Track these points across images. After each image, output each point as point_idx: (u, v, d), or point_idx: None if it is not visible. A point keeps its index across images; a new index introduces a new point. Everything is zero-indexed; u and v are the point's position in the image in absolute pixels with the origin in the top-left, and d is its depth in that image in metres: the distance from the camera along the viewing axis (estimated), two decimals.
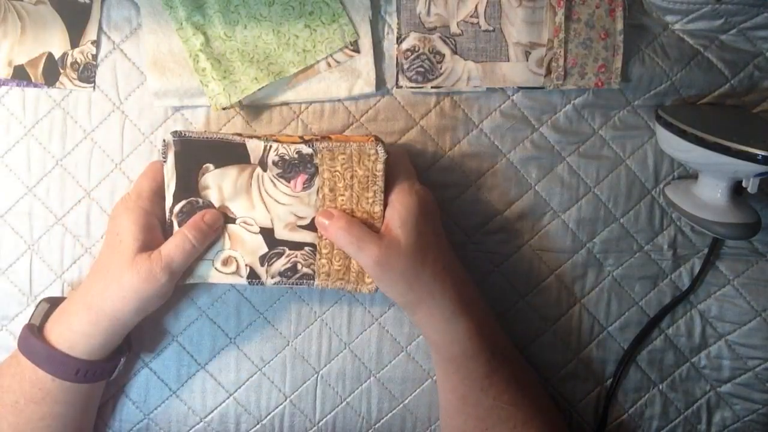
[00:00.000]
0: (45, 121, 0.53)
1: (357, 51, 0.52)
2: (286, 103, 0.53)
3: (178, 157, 0.47)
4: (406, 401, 0.56)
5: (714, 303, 0.57)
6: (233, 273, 0.49)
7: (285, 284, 0.49)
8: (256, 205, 0.48)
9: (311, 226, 0.48)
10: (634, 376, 0.57)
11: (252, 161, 0.47)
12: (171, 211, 0.48)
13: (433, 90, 0.53)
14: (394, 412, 0.56)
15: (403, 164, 0.48)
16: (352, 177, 0.47)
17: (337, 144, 0.46)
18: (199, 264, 0.48)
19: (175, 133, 0.46)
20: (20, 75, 0.52)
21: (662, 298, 0.57)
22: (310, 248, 0.49)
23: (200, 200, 0.48)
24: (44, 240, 0.54)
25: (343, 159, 0.46)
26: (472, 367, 0.47)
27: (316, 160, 0.47)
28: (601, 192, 0.55)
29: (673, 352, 0.57)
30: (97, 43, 0.52)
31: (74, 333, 0.46)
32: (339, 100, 0.53)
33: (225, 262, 0.48)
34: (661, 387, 0.58)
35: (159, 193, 0.47)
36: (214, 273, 0.48)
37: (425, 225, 0.45)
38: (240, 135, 0.48)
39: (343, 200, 0.47)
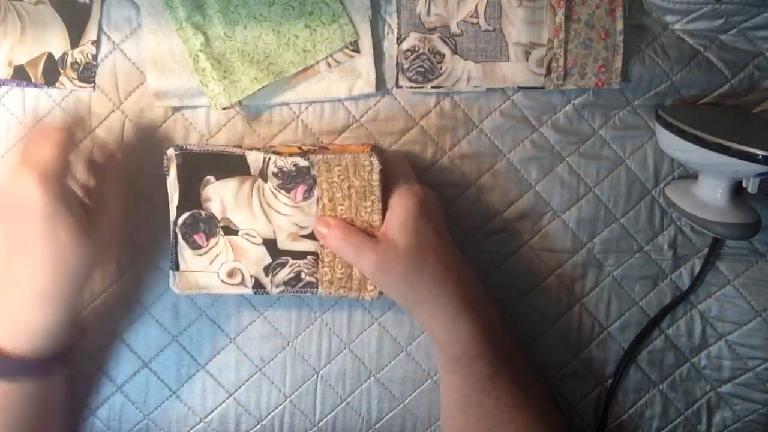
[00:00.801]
0: (45, 121, 0.53)
1: (357, 51, 0.52)
2: (286, 103, 0.53)
3: (180, 171, 0.48)
4: (406, 401, 0.56)
5: (714, 303, 0.57)
6: (239, 284, 0.50)
7: (290, 293, 0.50)
8: (257, 216, 0.49)
9: (313, 236, 0.49)
10: (634, 376, 0.57)
11: (252, 173, 0.48)
12: (175, 224, 0.49)
13: (433, 90, 0.53)
14: (394, 412, 0.56)
15: (402, 167, 0.48)
16: (349, 187, 0.47)
17: (332, 156, 0.47)
18: (205, 276, 0.49)
19: (176, 147, 0.48)
20: (20, 75, 0.52)
21: (662, 298, 0.57)
22: (313, 257, 0.49)
23: (203, 212, 0.49)
24: None
25: (339, 170, 0.47)
26: (475, 368, 0.47)
27: (314, 172, 0.48)
28: (601, 192, 0.55)
29: (674, 352, 0.57)
30: (97, 43, 0.52)
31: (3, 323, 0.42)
32: (339, 100, 0.53)
33: (230, 274, 0.50)
34: (661, 387, 0.58)
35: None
36: (220, 284, 0.50)
37: (424, 226, 0.45)
38: (240, 147, 0.49)
39: (342, 210, 0.48)
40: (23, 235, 0.41)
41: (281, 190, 0.48)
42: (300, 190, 0.48)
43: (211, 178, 0.48)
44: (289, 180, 0.48)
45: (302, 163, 0.48)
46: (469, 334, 0.46)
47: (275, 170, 0.48)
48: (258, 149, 0.48)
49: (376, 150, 0.46)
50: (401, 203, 0.45)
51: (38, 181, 0.39)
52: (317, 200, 0.48)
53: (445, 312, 0.46)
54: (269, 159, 0.48)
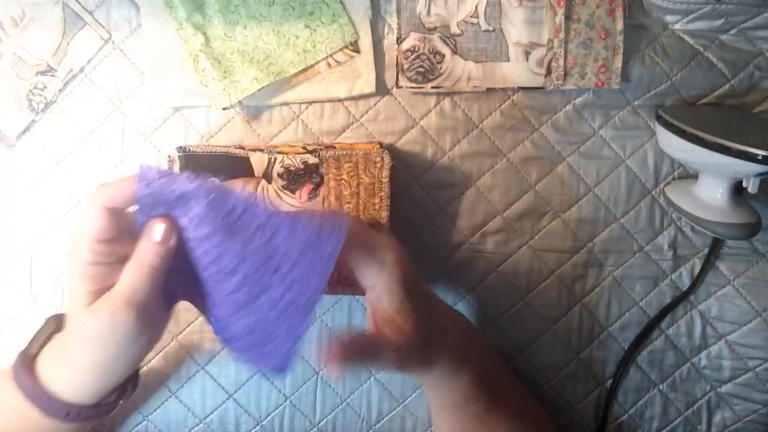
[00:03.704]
0: (45, 121, 0.53)
1: (357, 51, 0.52)
2: (286, 103, 0.53)
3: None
4: (406, 402, 0.56)
5: (714, 303, 0.57)
6: None
7: None
8: None
9: None
10: (635, 377, 0.57)
11: (256, 174, 0.48)
12: None
13: (433, 90, 0.53)
14: (394, 412, 0.56)
15: (364, 234, 0.41)
16: (358, 184, 0.47)
17: (342, 152, 0.47)
18: None
19: (179, 149, 0.48)
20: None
21: (662, 298, 0.57)
22: None
23: None
24: (44, 240, 0.54)
25: (349, 167, 0.47)
26: (472, 408, 0.47)
27: (322, 170, 0.47)
28: (601, 192, 0.55)
29: (674, 352, 0.57)
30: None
31: (60, 377, 0.42)
32: (339, 100, 0.53)
33: None
34: (661, 387, 0.58)
35: (108, 237, 0.38)
36: None
37: (415, 296, 0.41)
38: (243, 148, 0.48)
39: (349, 208, 0.48)
40: (71, 309, 0.40)
41: (286, 191, 0.48)
42: (305, 190, 0.48)
43: (215, 180, 0.48)
44: (294, 180, 0.48)
45: (311, 160, 0.48)
46: (467, 382, 0.46)
47: (280, 170, 0.48)
48: (261, 150, 0.48)
49: (383, 146, 0.47)
50: (387, 277, 0.40)
51: (129, 308, 0.38)
52: (323, 199, 0.48)
53: (445, 371, 0.45)
54: (275, 159, 0.48)
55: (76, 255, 0.39)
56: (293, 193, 0.48)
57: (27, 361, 0.43)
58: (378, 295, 0.40)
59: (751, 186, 0.47)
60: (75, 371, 0.41)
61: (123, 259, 0.40)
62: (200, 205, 0.37)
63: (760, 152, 0.43)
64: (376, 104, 0.53)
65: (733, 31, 0.52)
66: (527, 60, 0.52)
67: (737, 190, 0.50)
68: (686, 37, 0.53)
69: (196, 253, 0.38)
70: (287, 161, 0.48)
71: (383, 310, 0.41)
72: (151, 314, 0.40)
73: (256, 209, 0.37)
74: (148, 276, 0.38)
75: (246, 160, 0.48)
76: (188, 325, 0.55)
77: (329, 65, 0.52)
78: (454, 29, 0.52)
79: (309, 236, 0.37)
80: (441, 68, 0.52)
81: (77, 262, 0.39)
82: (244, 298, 0.38)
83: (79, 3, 0.51)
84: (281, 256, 0.37)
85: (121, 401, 0.46)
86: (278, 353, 0.39)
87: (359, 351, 0.39)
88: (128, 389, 0.47)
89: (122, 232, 0.39)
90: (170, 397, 0.55)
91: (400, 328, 0.40)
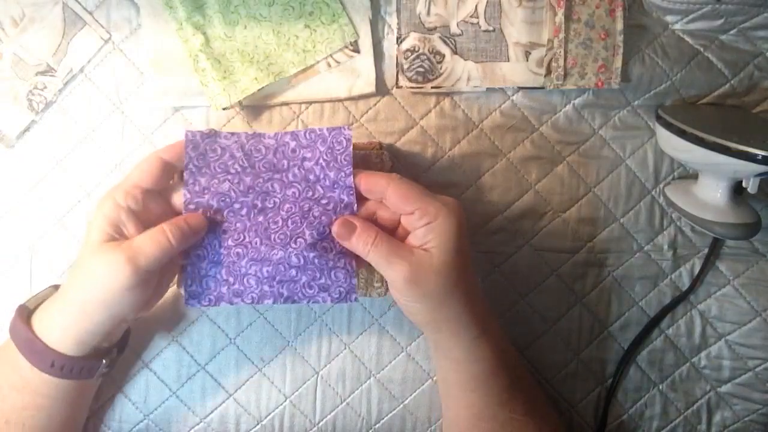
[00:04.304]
0: (45, 121, 0.53)
1: (357, 51, 0.52)
2: (286, 103, 0.53)
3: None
4: (406, 401, 0.56)
5: (714, 303, 0.57)
6: None
7: None
8: None
9: None
10: (634, 376, 0.57)
11: None
12: None
13: (433, 90, 0.53)
14: (394, 412, 0.56)
15: (410, 182, 0.44)
16: None
17: None
18: None
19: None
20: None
21: (662, 298, 0.57)
22: None
23: None
24: (44, 240, 0.54)
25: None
26: (492, 384, 0.46)
27: None
28: (601, 192, 0.55)
29: (673, 352, 0.57)
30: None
31: (52, 321, 0.44)
32: (339, 100, 0.53)
33: None
34: (661, 387, 0.58)
35: (151, 187, 0.43)
36: None
37: (463, 245, 0.42)
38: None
39: None
40: (82, 249, 0.43)
41: None
42: None
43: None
44: None
45: None
46: (491, 353, 0.45)
47: None
48: None
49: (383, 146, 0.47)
50: (447, 216, 0.41)
51: (128, 263, 0.41)
52: None
53: (468, 331, 0.44)
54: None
55: (113, 194, 0.43)
56: None
57: (23, 312, 0.46)
58: (431, 228, 0.41)
59: (751, 186, 0.47)
60: (65, 310, 0.44)
61: (148, 219, 0.43)
62: (239, 158, 0.44)
63: (760, 152, 0.43)
64: (376, 104, 0.53)
65: (733, 31, 0.52)
66: (527, 60, 0.52)
67: (737, 190, 0.50)
68: (686, 37, 0.53)
69: (239, 215, 0.44)
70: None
71: (428, 243, 0.42)
72: (150, 282, 0.43)
73: (284, 138, 0.44)
74: (163, 249, 0.41)
75: None
76: (188, 325, 0.55)
77: (329, 65, 0.52)
78: (454, 29, 0.52)
79: (326, 144, 0.44)
80: (441, 68, 0.52)
81: (111, 201, 0.42)
82: (290, 228, 0.43)
83: (79, 3, 0.51)
84: (313, 174, 0.44)
85: (104, 361, 0.47)
86: (338, 267, 0.44)
87: (377, 237, 0.42)
88: (113, 351, 0.49)
89: (159, 196, 0.44)
90: (171, 396, 0.55)
91: (431, 260, 0.42)
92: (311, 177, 0.44)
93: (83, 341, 0.45)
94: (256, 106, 0.53)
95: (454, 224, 0.42)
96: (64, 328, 0.44)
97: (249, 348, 0.55)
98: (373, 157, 0.46)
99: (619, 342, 0.57)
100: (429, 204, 0.41)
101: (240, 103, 0.51)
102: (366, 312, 0.55)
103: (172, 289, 0.50)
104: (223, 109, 0.51)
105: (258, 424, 0.56)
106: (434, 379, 0.56)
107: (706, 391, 0.58)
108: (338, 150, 0.43)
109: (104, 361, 0.47)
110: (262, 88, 0.51)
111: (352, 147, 0.43)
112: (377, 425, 0.56)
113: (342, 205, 0.43)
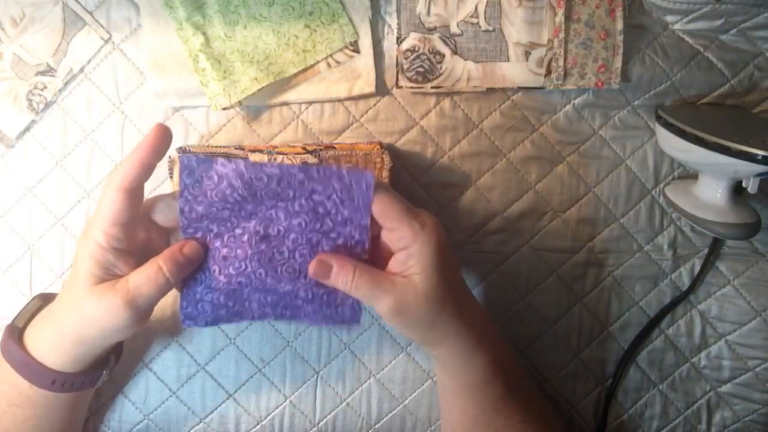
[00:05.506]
0: (45, 121, 0.53)
1: (357, 51, 0.52)
2: (286, 103, 0.53)
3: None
4: (406, 401, 0.56)
5: (714, 303, 0.57)
6: None
7: None
8: None
9: None
10: (634, 376, 0.57)
11: None
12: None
13: (433, 90, 0.53)
14: (394, 412, 0.56)
15: (396, 196, 0.42)
16: None
17: (342, 153, 0.47)
18: None
19: (180, 149, 0.48)
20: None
21: (662, 298, 0.57)
22: None
23: None
24: (44, 240, 0.54)
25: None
26: (488, 392, 0.46)
27: None
28: (601, 192, 0.55)
29: (673, 352, 0.57)
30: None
31: (45, 344, 0.43)
32: (339, 100, 0.53)
33: None
34: (661, 387, 0.58)
35: (126, 220, 0.40)
36: None
37: (445, 265, 0.41)
38: (242, 148, 0.48)
39: None
40: (72, 285, 0.41)
41: None
42: None
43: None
44: None
45: (311, 160, 0.47)
46: (486, 364, 0.45)
47: None
48: (261, 150, 0.48)
49: (383, 146, 0.46)
50: (425, 241, 0.40)
51: (127, 307, 0.39)
52: None
53: (464, 346, 0.44)
54: (274, 160, 0.47)
55: (90, 234, 0.40)
56: None
57: (14, 332, 0.45)
58: (410, 254, 0.40)
59: (751, 186, 0.47)
60: (60, 339, 0.43)
61: (134, 250, 0.41)
62: (238, 187, 0.39)
63: (760, 152, 0.43)
64: (376, 104, 0.53)
65: (733, 31, 0.52)
66: (527, 60, 0.52)
67: (737, 190, 0.50)
68: (686, 37, 0.53)
69: (241, 241, 0.41)
70: (287, 162, 0.47)
71: (409, 270, 0.41)
72: (148, 312, 0.42)
73: (291, 170, 0.39)
74: (160, 287, 0.40)
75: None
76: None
77: (329, 65, 0.52)
78: (454, 29, 0.52)
79: (342, 182, 0.40)
80: (441, 68, 0.52)
81: (90, 241, 0.39)
82: (298, 262, 0.42)
83: (79, 3, 0.52)
84: (322, 207, 0.41)
85: (105, 371, 0.47)
86: (345, 305, 0.43)
87: (357, 273, 0.40)
88: (111, 360, 0.48)
89: (138, 219, 0.41)
90: (171, 396, 0.55)
91: (415, 285, 0.41)
92: (320, 210, 0.41)
93: (81, 361, 0.44)
94: (256, 106, 0.53)
95: (433, 247, 0.40)
96: (62, 352, 0.43)
97: (249, 348, 0.55)
98: (373, 157, 0.46)
99: (619, 342, 0.57)
100: (407, 226, 0.40)
101: (240, 103, 0.51)
102: (366, 312, 0.55)
103: (173, 290, 0.50)
104: (223, 109, 0.51)
105: (258, 424, 0.56)
106: (434, 379, 0.56)
107: (706, 391, 0.58)
108: (357, 192, 0.40)
109: (105, 371, 0.47)
110: (262, 88, 0.51)
111: (372, 192, 0.39)
112: (377, 425, 0.56)
113: (353, 242, 0.42)
